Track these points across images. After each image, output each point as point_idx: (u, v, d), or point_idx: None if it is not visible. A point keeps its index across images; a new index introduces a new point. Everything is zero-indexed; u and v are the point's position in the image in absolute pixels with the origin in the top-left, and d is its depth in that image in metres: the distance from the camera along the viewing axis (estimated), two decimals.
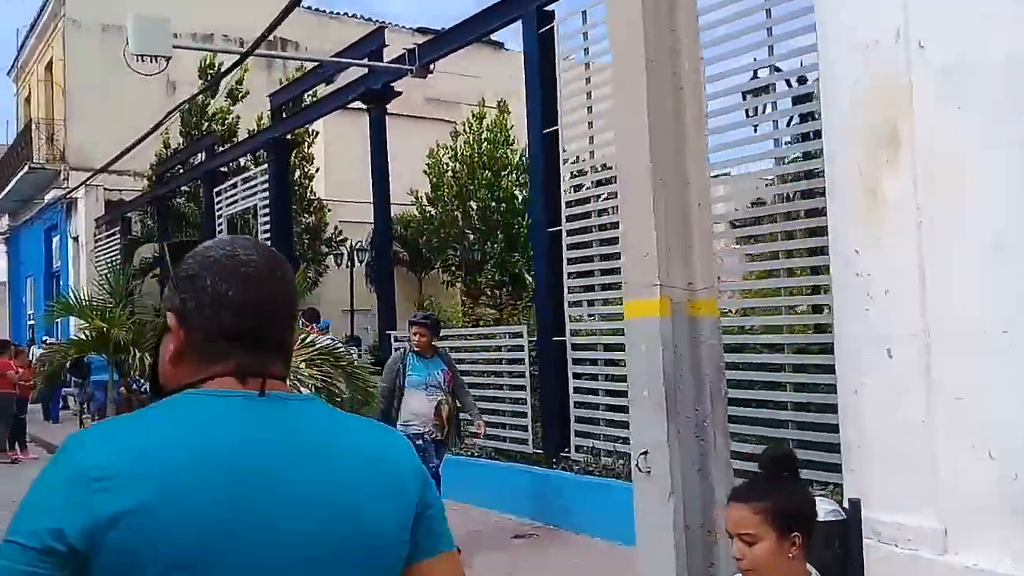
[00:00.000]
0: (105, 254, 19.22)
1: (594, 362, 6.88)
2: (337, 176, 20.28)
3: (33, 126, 22.12)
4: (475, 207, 18.23)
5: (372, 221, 21.35)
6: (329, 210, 20.52)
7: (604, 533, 6.21)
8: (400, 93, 9.27)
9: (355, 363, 6.12)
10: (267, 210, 11.74)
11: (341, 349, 6.26)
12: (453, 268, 20.52)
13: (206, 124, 17.77)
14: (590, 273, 6.79)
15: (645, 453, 3.32)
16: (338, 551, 1.13)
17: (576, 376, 6.89)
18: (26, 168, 21.52)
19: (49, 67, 23.28)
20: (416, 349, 5.96)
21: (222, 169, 13.48)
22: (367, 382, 5.93)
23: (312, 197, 19.61)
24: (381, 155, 9.33)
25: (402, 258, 22.64)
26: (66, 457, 1.09)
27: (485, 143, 17.73)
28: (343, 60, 9.37)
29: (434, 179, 21.64)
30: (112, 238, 18.94)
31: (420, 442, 5.64)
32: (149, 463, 1.06)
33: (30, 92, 26.03)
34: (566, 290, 6.83)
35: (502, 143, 17.81)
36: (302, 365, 5.26)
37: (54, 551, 1.03)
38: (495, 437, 8.04)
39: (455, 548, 1.28)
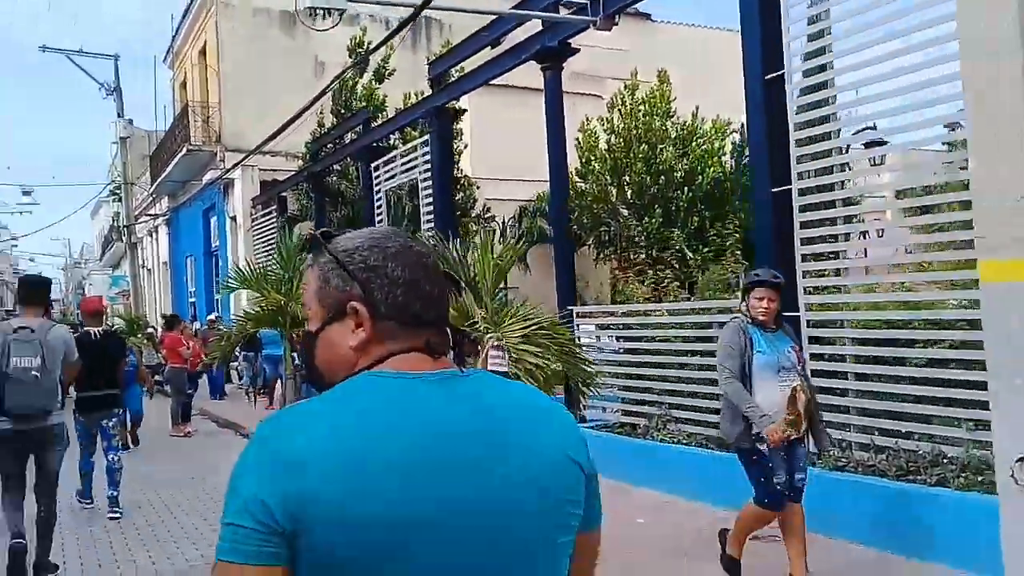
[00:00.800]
0: (262, 232, 19.52)
1: (831, 341, 6.06)
2: (482, 154, 19.96)
3: (189, 110, 22.77)
4: (629, 181, 17.43)
5: (519, 199, 21.41)
6: (477, 187, 20.20)
7: (859, 536, 5.41)
8: (578, 50, 8.59)
9: (572, 339, 5.42)
10: (428, 184, 11.33)
11: (558, 325, 5.57)
12: (606, 244, 19.81)
13: (355, 103, 17.66)
14: (833, 238, 5.93)
15: (1022, 460, 2.53)
16: (523, 521, 1.17)
17: (815, 357, 6.01)
18: (184, 151, 22.17)
19: (203, 51, 23.91)
20: (762, 318, 4.62)
21: (379, 145, 13.19)
22: (585, 360, 5.24)
23: (459, 175, 19.32)
24: (557, 119, 8.69)
25: (549, 235, 22.20)
26: (261, 442, 1.14)
27: (642, 115, 16.90)
28: (519, 12, 8.75)
29: (585, 154, 21.07)
30: (268, 217, 19.20)
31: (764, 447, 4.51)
32: (343, 444, 1.10)
33: (185, 76, 26.90)
34: (799, 259, 5.98)
35: (661, 115, 16.95)
36: (518, 340, 4.66)
37: (270, 528, 1.08)
38: (705, 424, 7.34)
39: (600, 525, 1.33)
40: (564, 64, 8.62)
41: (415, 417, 1.16)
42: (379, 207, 12.87)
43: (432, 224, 11.16)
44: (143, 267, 33.21)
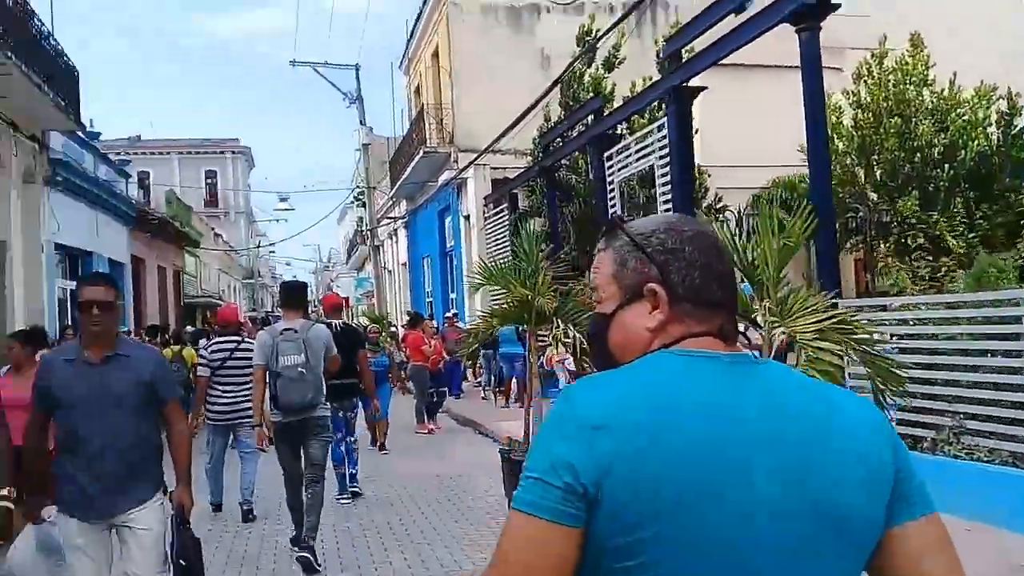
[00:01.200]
0: (494, 231, 19.72)
1: None
2: (711, 140, 19.02)
3: (425, 113, 23.51)
4: (879, 160, 15.80)
5: (751, 186, 20.22)
6: (708, 175, 19.27)
7: None
8: (838, 6, 7.65)
9: (872, 338, 4.65)
10: (665, 170, 10.71)
11: (856, 319, 4.82)
12: (853, 232, 18.20)
13: (583, 95, 17.33)
14: None
15: None
16: (805, 510, 1.15)
17: None
18: (420, 153, 22.92)
19: (435, 54, 24.60)
20: None
21: (611, 133, 12.72)
22: (889, 361, 4.46)
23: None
24: (816, 86, 7.78)
25: (785, 225, 20.81)
26: (567, 406, 1.19)
27: (892, 86, 15.20)
28: None
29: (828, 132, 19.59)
30: (499, 215, 19.34)
31: None
32: (641, 412, 1.15)
33: (420, 81, 27.91)
34: None
35: (916, 84, 15.16)
36: (812, 336, 4.00)
37: (573, 490, 1.12)
38: (1012, 438, 6.24)
39: (934, 511, 1.25)
40: (822, 24, 7.70)
41: (714, 395, 1.19)
42: (612, 198, 12.40)
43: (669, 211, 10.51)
44: (384, 268, 35.02)
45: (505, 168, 20.85)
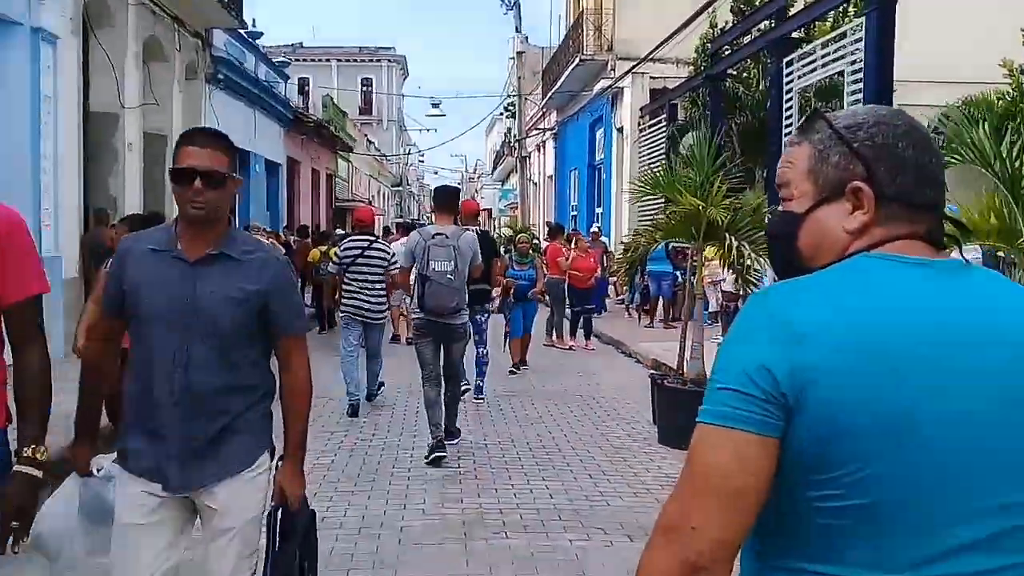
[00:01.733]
0: (649, 144, 18.71)
1: None
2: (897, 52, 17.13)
3: (583, 18, 22.42)
4: None
5: (935, 104, 18.22)
6: (894, 91, 17.43)
7: None
8: None
9: None
10: (857, 80, 9.49)
11: None
12: None
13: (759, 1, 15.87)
14: None
15: None
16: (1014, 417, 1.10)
17: None
18: (577, 60, 21.94)
19: None
20: None
21: (793, 37, 11.45)
22: None
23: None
24: None
25: (975, 150, 18.80)
26: (766, 307, 1.11)
27: None
28: None
29: None
30: (657, 127, 18.28)
31: None
32: (851, 323, 1.07)
33: None
34: None
35: None
36: None
37: (773, 398, 1.06)
38: None
39: None
40: None
41: (924, 301, 1.11)
42: (789, 110, 11.23)
43: None
44: (529, 180, 34.52)
45: (665, 78, 19.65)
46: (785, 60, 11.42)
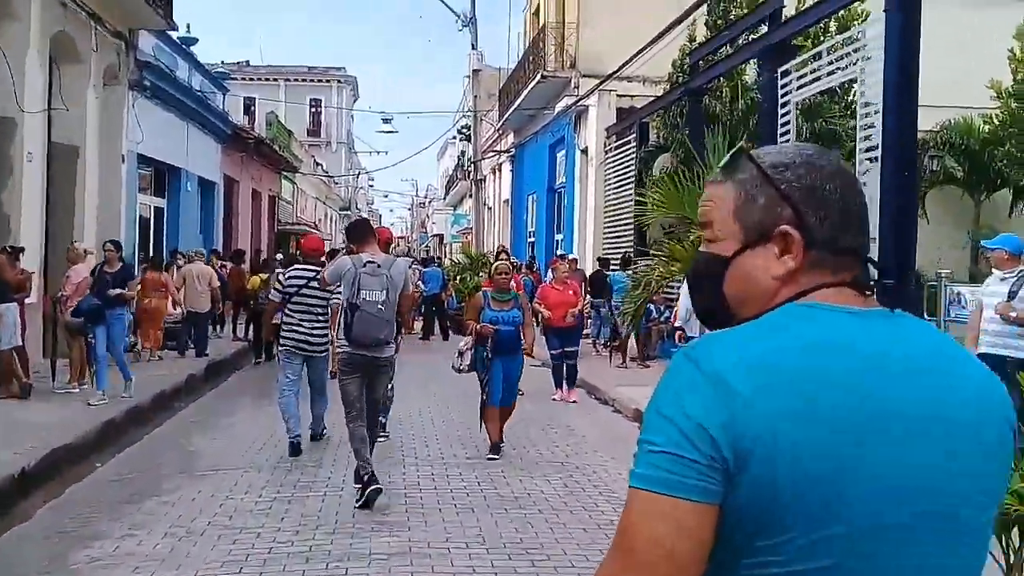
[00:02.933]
0: (615, 167, 17.47)
1: None
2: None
3: (545, 32, 21.20)
4: None
5: (920, 128, 17.43)
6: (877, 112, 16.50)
7: None
8: None
9: None
10: (872, 89, 8.28)
11: None
12: None
13: (736, 13, 14.79)
14: None
15: None
16: (955, 475, 1.07)
17: None
18: (538, 77, 20.66)
19: None
20: None
21: (789, 44, 10.26)
22: None
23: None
24: None
25: (956, 175, 17.98)
26: (696, 365, 1.04)
27: None
28: None
29: (1021, 67, 16.57)
30: (623, 149, 17.04)
31: None
32: (791, 378, 1.02)
33: (539, 5, 25.53)
34: None
35: None
36: None
37: (714, 462, 0.99)
38: None
39: None
40: None
41: (859, 350, 1.06)
42: (786, 124, 10.01)
43: (873, 151, 8.16)
44: (484, 205, 33.14)
45: (632, 96, 18.50)
46: (780, 70, 10.20)
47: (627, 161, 16.69)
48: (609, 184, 17.82)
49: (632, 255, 13.90)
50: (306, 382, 7.74)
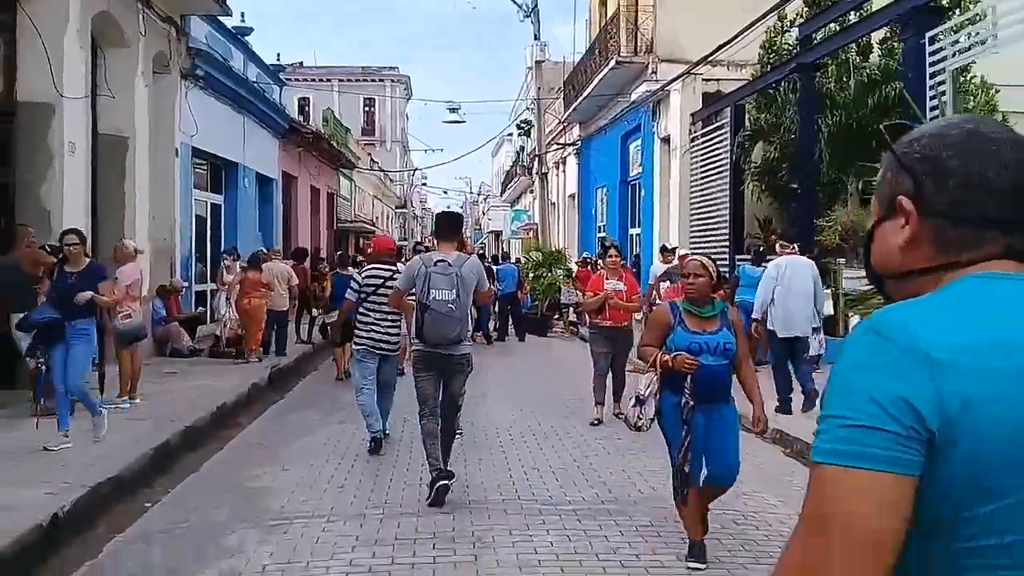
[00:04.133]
0: (705, 154, 16.00)
1: None
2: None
3: (618, 16, 19.78)
4: None
5: None
6: (997, 91, 14.73)
7: None
8: None
9: None
10: None
11: None
12: None
13: None
14: None
15: None
16: None
17: None
18: (612, 63, 19.24)
19: None
20: None
21: (935, 5, 8.75)
22: None
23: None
24: None
25: None
26: (886, 334, 1.02)
27: None
28: None
29: None
30: (715, 135, 15.58)
31: None
32: (982, 345, 0.99)
33: None
34: None
35: None
36: None
37: (916, 434, 0.97)
38: None
39: None
40: None
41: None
42: (934, 96, 8.50)
43: None
44: (547, 200, 31.79)
45: (718, 80, 17.00)
46: (929, 35, 8.70)
47: (718, 149, 15.23)
48: (697, 173, 16.37)
49: (761, 248, 12.20)
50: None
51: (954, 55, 8.38)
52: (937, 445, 0.96)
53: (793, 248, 9.37)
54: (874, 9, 10.16)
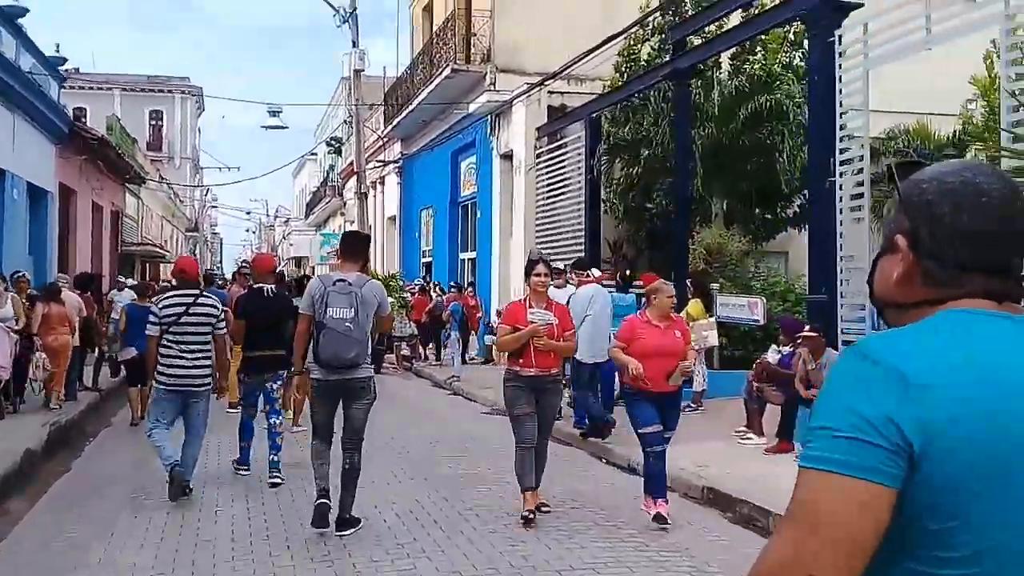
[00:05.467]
0: (552, 171, 15.01)
1: None
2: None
3: (453, 22, 18.53)
4: None
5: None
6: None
7: None
8: None
9: None
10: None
11: None
12: None
13: None
14: None
15: None
16: None
17: None
18: (447, 72, 17.92)
19: None
20: None
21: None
22: None
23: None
24: None
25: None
26: (875, 359, 1.11)
27: None
28: None
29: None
30: (564, 150, 14.61)
31: None
32: (963, 375, 1.08)
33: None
34: None
35: None
36: None
37: (899, 449, 1.06)
38: None
39: None
40: None
41: (1002, 350, 1.13)
42: (843, 102, 7.82)
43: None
44: (366, 223, 29.92)
45: (563, 94, 16.12)
46: (838, 33, 8.02)
47: (570, 166, 14.26)
48: (544, 192, 15.33)
49: (628, 272, 11.04)
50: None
51: (867, 56, 7.71)
52: (914, 460, 1.05)
53: (588, 275, 9.26)
54: (767, 7, 9.46)
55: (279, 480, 7.04)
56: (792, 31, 12.52)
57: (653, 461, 5.87)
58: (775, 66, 11.87)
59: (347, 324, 5.54)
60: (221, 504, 6.55)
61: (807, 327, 7.84)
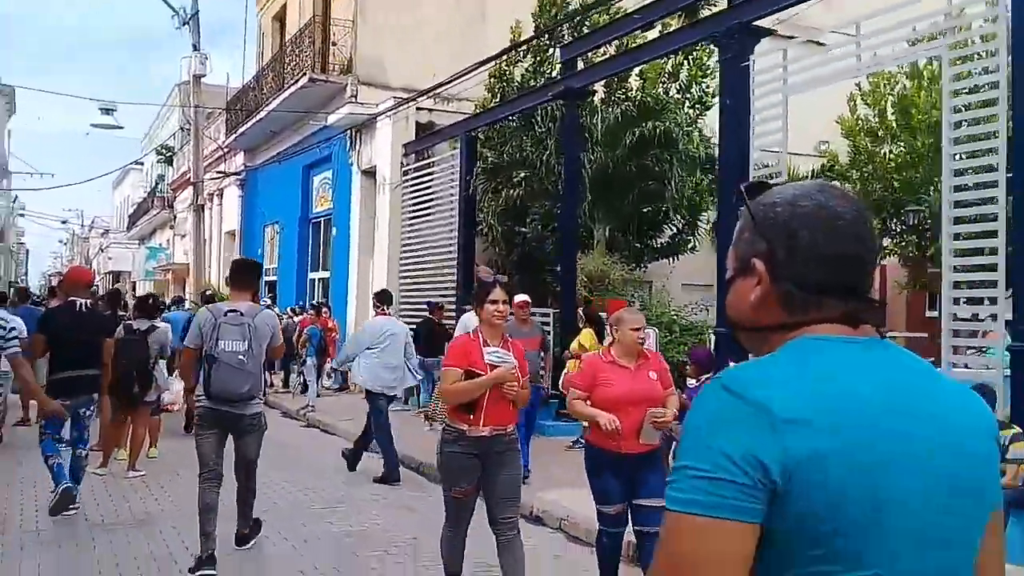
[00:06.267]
0: (418, 189, 14.22)
1: None
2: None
3: (311, 29, 17.42)
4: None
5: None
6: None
7: None
8: None
9: None
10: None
11: None
12: (908, 232, 14.65)
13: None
14: None
15: None
16: (958, 485, 1.13)
17: None
18: (305, 79, 16.75)
19: None
20: None
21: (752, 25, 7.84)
22: None
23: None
24: None
25: None
26: (736, 393, 1.09)
27: None
28: None
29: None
30: (439, 169, 13.87)
31: None
32: (826, 406, 1.08)
33: (284, 4, 21.61)
34: None
35: None
36: None
37: (761, 485, 1.04)
38: None
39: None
40: None
41: (873, 378, 1.13)
42: (763, 124, 7.57)
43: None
44: (202, 237, 27.81)
45: (431, 110, 15.39)
46: (753, 57, 7.77)
47: (442, 186, 13.52)
48: (408, 211, 14.49)
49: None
50: None
51: (786, 81, 7.49)
52: (779, 494, 1.04)
53: (384, 310, 9.17)
54: (672, 29, 9.12)
55: (75, 511, 6.60)
56: (670, 63, 12.44)
57: (616, 545, 4.74)
58: (656, 92, 11.69)
59: (240, 357, 5.37)
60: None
61: (730, 362, 7.46)
